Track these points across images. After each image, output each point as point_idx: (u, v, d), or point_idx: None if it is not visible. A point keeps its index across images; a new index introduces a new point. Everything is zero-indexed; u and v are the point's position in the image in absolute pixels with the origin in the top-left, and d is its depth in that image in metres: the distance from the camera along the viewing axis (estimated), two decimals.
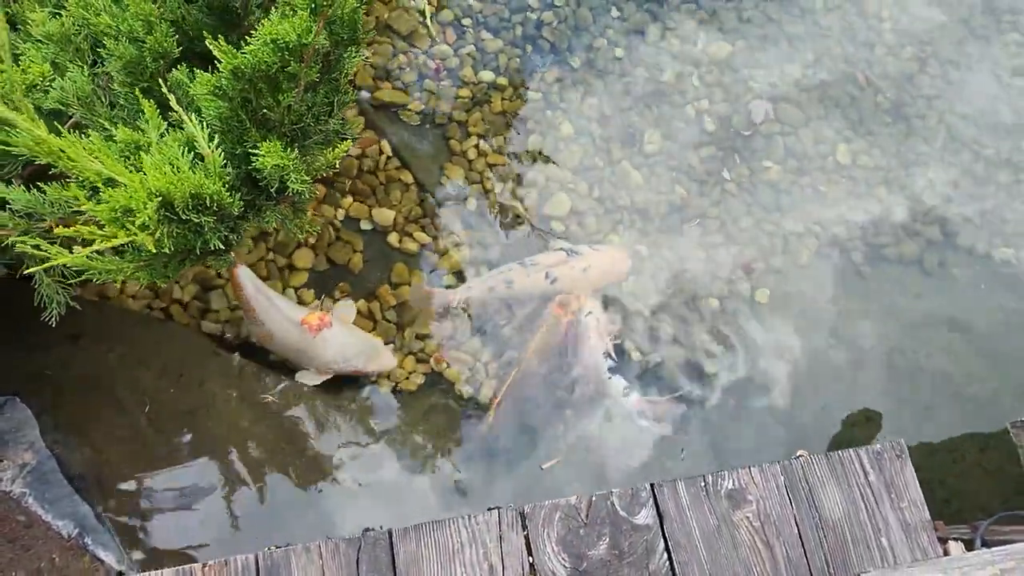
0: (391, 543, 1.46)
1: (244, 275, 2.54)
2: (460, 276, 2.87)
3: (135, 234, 1.24)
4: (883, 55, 3.18)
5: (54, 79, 1.43)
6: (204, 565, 1.45)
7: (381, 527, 1.77)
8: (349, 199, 2.91)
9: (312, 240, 2.84)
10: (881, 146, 3.06)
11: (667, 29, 3.22)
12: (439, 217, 2.92)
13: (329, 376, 2.59)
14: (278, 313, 2.54)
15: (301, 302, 2.76)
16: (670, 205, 2.99)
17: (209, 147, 1.35)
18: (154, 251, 1.32)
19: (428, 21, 2.70)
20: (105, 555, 2.20)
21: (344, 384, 2.67)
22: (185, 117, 1.33)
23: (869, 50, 3.19)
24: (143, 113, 1.33)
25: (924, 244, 2.93)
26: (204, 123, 1.37)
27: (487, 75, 3.12)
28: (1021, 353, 2.78)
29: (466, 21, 3.20)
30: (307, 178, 1.52)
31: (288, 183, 1.49)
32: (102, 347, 2.58)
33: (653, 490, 1.48)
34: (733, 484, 1.49)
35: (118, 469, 2.42)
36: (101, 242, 1.22)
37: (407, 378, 2.71)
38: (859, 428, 2.67)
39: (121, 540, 2.31)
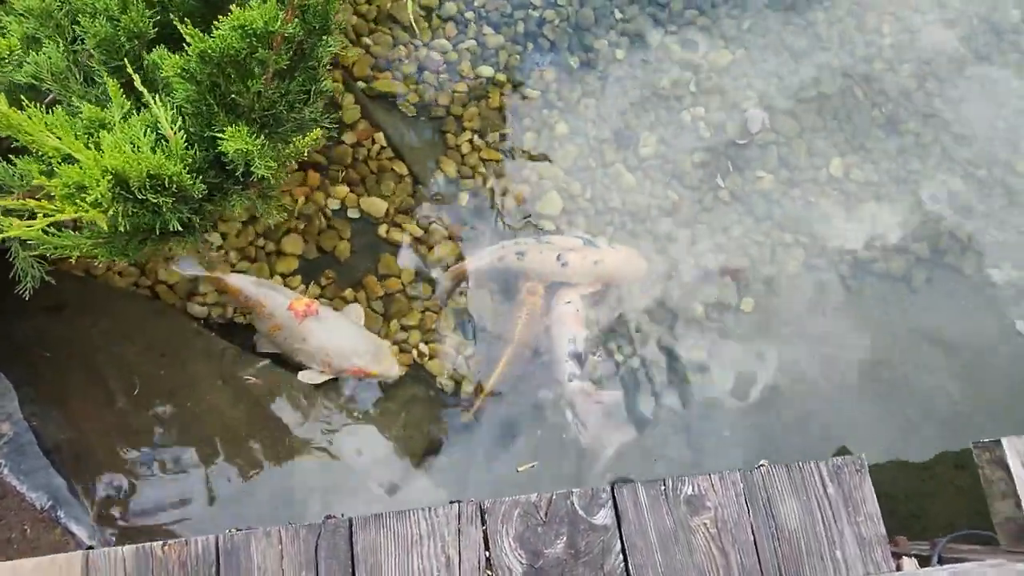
0: (351, 531, 1.47)
1: (237, 279, 2.57)
2: (448, 269, 2.88)
3: (86, 210, 1.25)
4: (882, 70, 3.18)
5: (28, 53, 1.44)
6: (164, 544, 1.46)
7: (343, 515, 1.78)
8: (344, 188, 2.92)
9: (302, 226, 2.86)
10: (874, 161, 3.07)
11: (668, 34, 3.22)
12: (431, 210, 2.93)
13: (331, 376, 2.57)
14: (284, 299, 2.56)
15: (288, 288, 2.77)
16: (661, 209, 3.00)
17: (172, 129, 1.36)
18: (107, 228, 1.33)
19: (412, 18, 2.71)
20: (77, 529, 2.22)
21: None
22: (149, 98, 1.34)
23: (868, 65, 3.19)
24: (124, 89, 1.34)
25: (912, 261, 2.93)
26: (173, 105, 1.38)
27: (486, 70, 3.13)
28: (1000, 374, 2.79)
29: (468, 15, 3.20)
30: (273, 164, 1.53)
31: (253, 168, 1.49)
32: (86, 321, 2.60)
33: (613, 491, 1.50)
34: (692, 490, 1.50)
35: (96, 444, 2.44)
36: (44, 218, 1.23)
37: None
38: (834, 440, 2.68)
39: (94, 515, 2.33)
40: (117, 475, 2.37)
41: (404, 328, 2.79)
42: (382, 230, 2.88)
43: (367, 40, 3.11)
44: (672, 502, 1.49)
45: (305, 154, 1.68)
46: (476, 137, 3.04)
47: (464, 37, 3.17)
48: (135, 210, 1.37)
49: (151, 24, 1.47)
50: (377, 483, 2.49)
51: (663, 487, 1.51)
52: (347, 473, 2.53)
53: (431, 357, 2.76)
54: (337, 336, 2.55)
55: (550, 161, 3.02)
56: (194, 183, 1.43)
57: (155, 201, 1.37)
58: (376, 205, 2.90)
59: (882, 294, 2.91)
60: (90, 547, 2.19)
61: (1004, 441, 1.55)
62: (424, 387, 2.70)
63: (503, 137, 3.05)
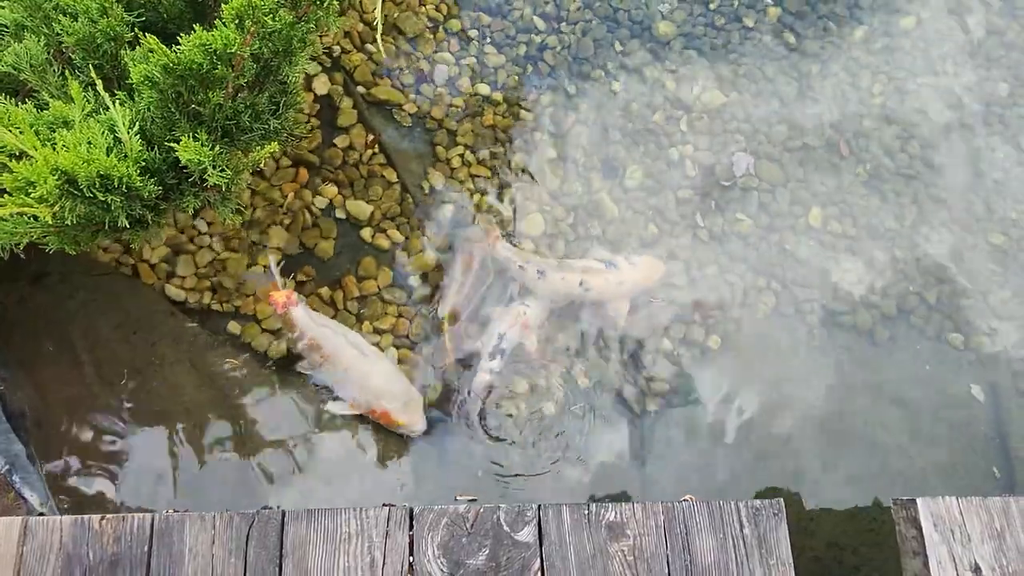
0: (282, 523, 1.52)
1: (299, 312, 2.64)
2: (425, 277, 2.94)
3: (31, 205, 1.31)
4: (870, 129, 3.25)
5: (10, 43, 1.50)
6: (102, 518, 1.51)
7: (278, 506, 1.83)
8: (333, 188, 2.98)
9: (287, 221, 2.92)
10: (853, 216, 3.13)
11: (666, 71, 3.30)
12: (415, 218, 3.00)
13: (358, 412, 2.61)
14: (332, 334, 2.62)
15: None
16: (641, 241, 3.06)
17: (128, 133, 1.43)
18: (51, 223, 1.39)
19: (378, 37, 2.79)
20: (30, 495, 2.26)
21: (292, 366, 2.73)
22: (108, 100, 1.40)
23: (857, 122, 3.26)
24: (92, 87, 1.41)
25: (878, 317, 2.99)
26: (138, 108, 1.44)
27: (483, 88, 3.20)
28: (951, 435, 2.84)
29: (472, 33, 3.28)
30: (229, 173, 1.59)
31: (207, 176, 1.55)
32: (65, 292, 2.65)
33: (539, 511, 1.55)
34: (614, 516, 1.55)
35: (59, 413, 2.49)
36: None
37: None
38: (783, 484, 2.73)
39: (49, 483, 2.38)
40: (76, 446, 2.41)
41: (377, 331, 2.85)
42: (366, 233, 2.95)
43: (371, 47, 3.19)
44: (594, 526, 1.54)
45: (262, 163, 1.74)
46: (467, 152, 3.11)
47: (466, 54, 3.25)
48: (83, 206, 1.43)
49: (129, 27, 1.54)
50: (330, 479, 2.54)
51: (586, 511, 1.56)
52: (304, 467, 2.57)
53: (401, 362, 2.81)
54: (375, 374, 2.58)
55: (536, 183, 3.09)
56: (145, 184, 1.49)
57: (103, 199, 1.42)
58: (362, 208, 2.96)
59: (846, 347, 2.96)
60: (41, 514, 2.24)
61: (919, 501, 1.60)
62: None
63: (493, 155, 3.12)
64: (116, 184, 1.44)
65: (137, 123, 1.48)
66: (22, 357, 2.50)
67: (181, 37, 1.44)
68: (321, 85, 3.09)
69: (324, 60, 3.12)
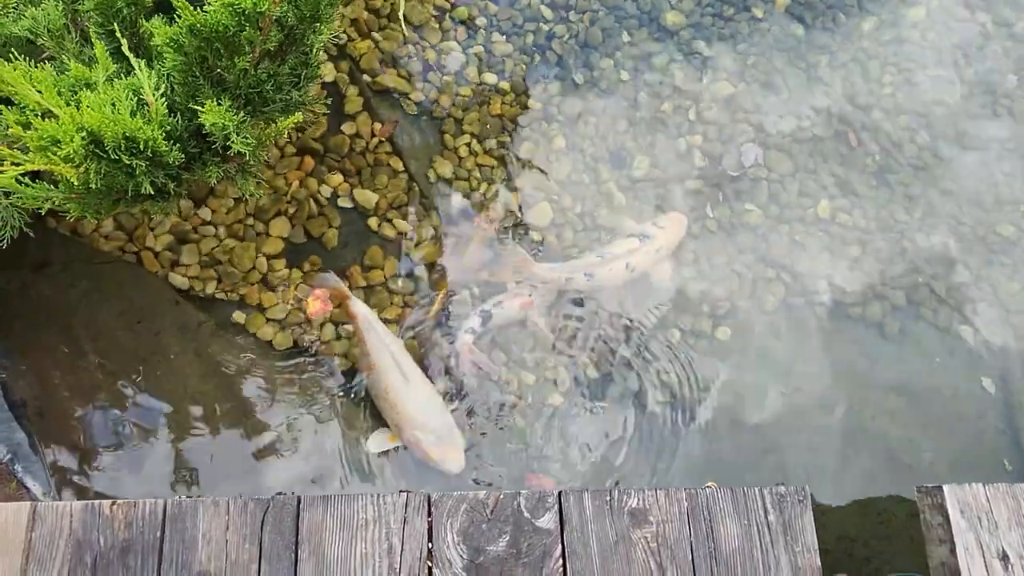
0: (298, 509, 1.49)
1: (359, 306, 2.61)
2: (431, 268, 2.91)
3: (57, 163, 1.28)
4: (879, 120, 3.23)
5: (27, 7, 1.47)
6: (113, 503, 1.48)
7: (292, 493, 1.80)
8: (338, 177, 2.95)
9: (292, 210, 2.88)
10: (862, 207, 3.11)
11: (673, 61, 3.27)
12: (422, 207, 2.96)
13: (397, 444, 2.52)
14: (380, 346, 2.55)
15: (271, 271, 2.80)
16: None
17: (154, 95, 1.39)
18: (77, 184, 1.36)
19: (403, 21, 2.76)
20: (32, 484, 2.22)
21: (300, 356, 2.70)
22: (135, 63, 1.37)
23: (866, 113, 3.24)
24: (111, 53, 1.37)
25: (888, 309, 2.97)
26: (161, 72, 1.41)
27: (491, 77, 3.17)
28: (961, 427, 2.83)
29: (480, 21, 3.25)
30: (252, 141, 1.56)
31: (231, 143, 1.52)
32: (67, 281, 2.61)
33: (560, 497, 1.52)
34: (637, 503, 1.52)
35: (61, 402, 2.45)
36: (14, 167, 1.25)
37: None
38: (792, 476, 2.71)
39: (51, 472, 2.34)
40: (79, 435, 2.38)
41: (383, 321, 2.81)
42: (372, 222, 2.91)
43: (377, 35, 3.15)
44: (616, 513, 1.51)
45: (285, 135, 1.71)
46: (474, 141, 3.08)
47: (473, 42, 3.21)
48: (108, 169, 1.39)
49: None
50: (338, 468, 2.50)
51: (608, 497, 1.53)
52: (309, 456, 2.54)
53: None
54: (413, 402, 2.46)
55: (544, 173, 3.06)
56: (170, 149, 1.46)
57: (129, 162, 1.39)
58: (368, 197, 2.93)
59: (856, 339, 2.94)
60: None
61: (946, 488, 1.58)
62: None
63: (501, 144, 3.08)
64: (141, 148, 1.41)
65: (161, 88, 1.44)
66: (24, 346, 2.46)
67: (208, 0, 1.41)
68: (327, 72, 3.05)
69: (330, 48, 3.08)
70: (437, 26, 3.21)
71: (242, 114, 1.52)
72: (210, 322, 2.68)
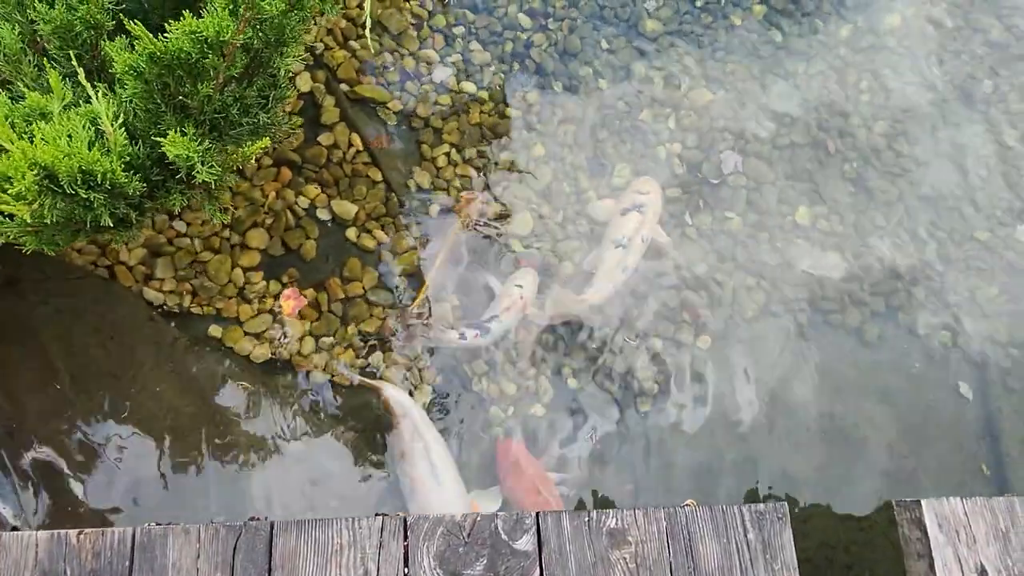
0: (271, 535, 1.46)
1: (394, 391, 2.53)
2: (411, 280, 2.88)
3: (7, 202, 1.24)
4: (856, 126, 3.25)
5: None
6: (80, 532, 1.44)
7: (266, 517, 1.77)
8: (316, 188, 2.91)
9: (269, 222, 2.85)
10: (840, 213, 3.13)
11: (653, 68, 3.27)
12: (401, 218, 2.94)
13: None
14: (414, 434, 2.48)
15: (248, 283, 2.76)
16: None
17: (112, 125, 1.35)
18: (29, 222, 1.32)
19: (368, 32, 2.73)
20: (3, 507, 2.18)
21: (279, 370, 2.66)
22: (91, 91, 1.33)
23: (844, 120, 3.25)
24: (70, 79, 1.33)
25: (868, 315, 2.99)
26: (122, 100, 1.37)
27: (469, 86, 3.15)
28: (941, 434, 2.84)
29: (458, 30, 3.23)
30: (218, 169, 1.52)
31: (195, 173, 1.49)
32: (37, 297, 2.56)
33: (538, 518, 1.50)
34: (616, 523, 1.51)
35: (33, 422, 2.40)
36: None
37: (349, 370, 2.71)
38: (772, 484, 2.71)
39: (23, 495, 2.29)
40: (51, 456, 2.33)
41: (362, 334, 2.79)
42: (351, 233, 2.88)
43: (354, 44, 3.12)
44: (595, 533, 1.50)
45: (253, 160, 1.68)
46: (453, 151, 3.06)
47: (451, 51, 3.19)
48: (64, 204, 1.35)
49: (111, 15, 1.47)
50: (315, 486, 2.47)
51: (587, 518, 1.52)
52: (288, 475, 2.51)
53: (385, 365, 2.75)
54: (438, 503, 2.35)
55: (524, 182, 3.04)
56: (130, 180, 1.42)
57: (86, 196, 1.35)
58: (347, 208, 2.90)
59: (836, 345, 2.95)
60: (14, 527, 2.15)
61: (924, 503, 1.58)
62: (375, 394, 2.70)
63: (480, 154, 3.07)
64: (99, 180, 1.37)
65: (121, 116, 1.40)
66: None
67: (169, 24, 1.37)
68: (303, 83, 3.02)
69: (306, 58, 3.05)
70: (415, 35, 3.19)
71: (207, 142, 1.48)
72: (185, 337, 2.64)
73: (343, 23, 3.14)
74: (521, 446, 2.61)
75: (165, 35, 1.38)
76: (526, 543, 1.46)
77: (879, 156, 3.21)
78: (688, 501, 1.53)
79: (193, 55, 1.38)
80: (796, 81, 3.30)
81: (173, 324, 2.65)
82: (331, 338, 2.74)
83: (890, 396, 2.90)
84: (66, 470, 2.33)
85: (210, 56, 1.37)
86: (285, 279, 2.78)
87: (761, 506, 1.52)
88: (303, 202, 2.89)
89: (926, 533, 1.53)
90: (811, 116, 3.24)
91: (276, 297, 2.73)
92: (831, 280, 3.03)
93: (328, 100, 3.02)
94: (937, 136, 3.26)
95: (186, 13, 1.34)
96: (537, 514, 1.51)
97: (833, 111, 3.26)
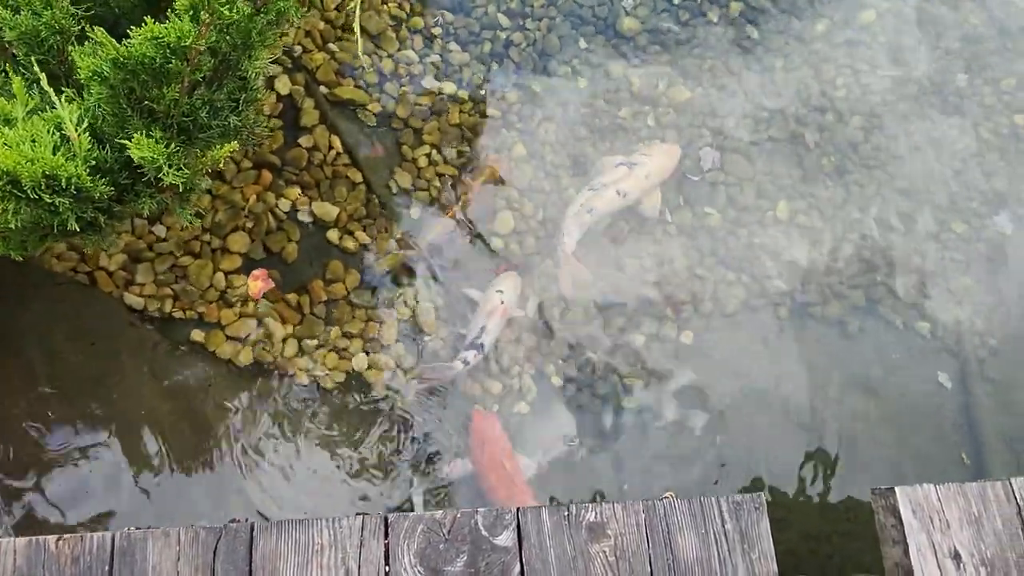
0: (251, 537, 1.47)
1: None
2: (395, 281, 2.89)
3: None
4: (833, 121, 3.28)
5: None
6: (59, 538, 1.44)
7: (247, 519, 1.77)
8: (297, 191, 2.91)
9: (250, 225, 2.84)
10: (819, 208, 3.15)
11: (631, 67, 3.29)
12: (382, 219, 2.94)
13: None
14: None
15: (230, 287, 2.76)
16: (610, 237, 3.05)
17: (76, 130, 1.35)
18: None
19: (360, 51, 2.74)
20: None
21: (259, 374, 2.66)
22: (54, 97, 1.33)
23: (820, 114, 3.28)
24: (36, 84, 1.33)
25: (848, 308, 3.01)
26: (88, 105, 1.37)
27: (449, 86, 3.16)
28: (922, 424, 2.88)
29: (436, 31, 3.24)
30: (187, 172, 1.52)
31: (162, 176, 1.49)
32: (17, 303, 2.55)
33: (518, 514, 1.51)
34: (595, 517, 1.52)
35: (13, 429, 2.39)
36: None
37: (327, 375, 2.71)
38: (756, 477, 2.74)
39: (2, 501, 2.28)
40: (32, 463, 2.32)
41: (346, 335, 2.79)
42: (333, 235, 2.89)
43: (333, 46, 3.12)
44: (574, 527, 1.51)
45: (221, 164, 1.68)
46: (434, 152, 3.06)
47: (430, 51, 3.20)
48: (28, 209, 1.35)
49: (77, 20, 1.46)
50: (298, 488, 2.47)
51: (566, 512, 1.53)
52: (272, 478, 2.50)
53: (370, 367, 2.75)
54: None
55: (505, 181, 3.06)
56: (96, 185, 1.42)
57: (51, 201, 1.35)
58: (328, 210, 2.90)
59: (817, 338, 2.98)
60: None
61: (898, 490, 1.60)
62: (360, 396, 2.70)
63: (460, 154, 3.08)
64: (64, 185, 1.36)
65: (86, 120, 1.40)
66: None
67: (132, 30, 1.37)
68: (283, 85, 3.02)
69: (284, 60, 3.05)
70: (394, 36, 3.20)
71: (174, 145, 1.48)
72: (167, 342, 2.63)
73: (321, 25, 3.15)
74: (495, 420, 2.63)
75: (128, 40, 1.38)
76: (506, 538, 1.47)
77: (856, 150, 3.24)
78: (667, 493, 1.55)
79: (157, 60, 1.38)
80: (773, 77, 3.32)
81: (155, 329, 2.64)
82: (315, 340, 2.74)
83: (871, 387, 2.93)
84: (46, 476, 2.32)
85: (174, 61, 1.38)
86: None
87: (738, 497, 1.54)
88: (284, 205, 2.89)
89: (900, 519, 1.55)
90: (789, 111, 3.27)
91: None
92: (811, 274, 3.05)
93: (307, 102, 3.02)
94: (913, 130, 3.29)
95: (148, 19, 1.34)
96: (517, 509, 1.52)
97: (810, 106, 3.29)
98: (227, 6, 1.36)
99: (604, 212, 2.92)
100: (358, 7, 2.53)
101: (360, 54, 2.71)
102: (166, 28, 1.35)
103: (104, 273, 2.69)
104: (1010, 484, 1.59)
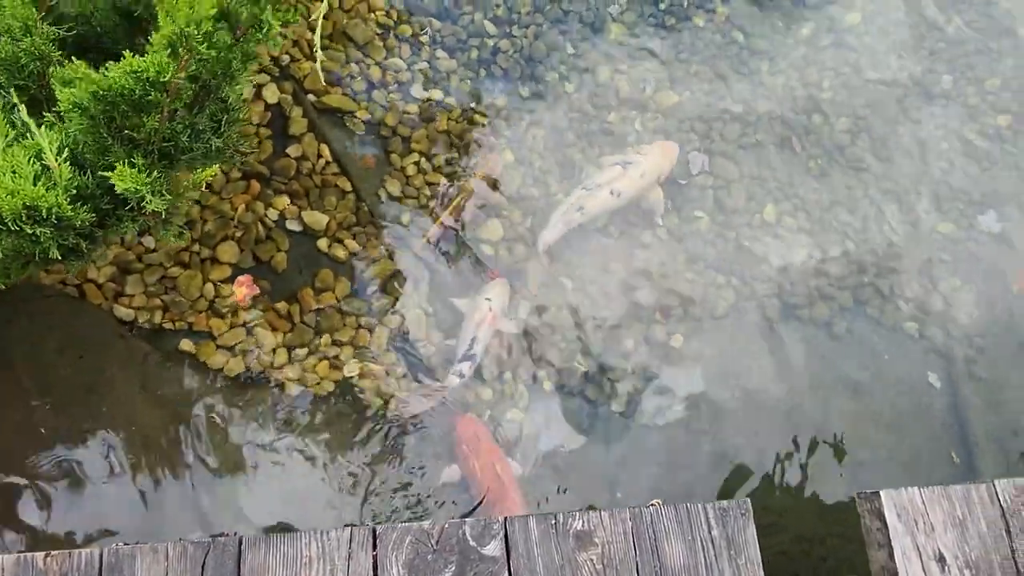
0: (240, 550, 1.47)
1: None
2: (385, 289, 2.89)
3: None
4: (819, 123, 3.30)
5: None
6: (47, 555, 1.44)
7: (235, 533, 1.78)
8: (285, 199, 2.91)
9: (239, 235, 2.84)
10: (807, 210, 3.17)
11: (618, 72, 3.30)
12: (372, 228, 2.95)
13: None
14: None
15: (220, 297, 2.76)
16: (599, 243, 3.06)
17: (57, 160, 1.35)
18: None
19: (318, 64, 2.76)
20: None
21: (250, 383, 2.66)
22: (33, 127, 1.33)
23: (807, 117, 3.30)
24: (16, 110, 1.34)
25: (836, 309, 3.03)
26: (67, 132, 1.37)
27: (437, 93, 3.17)
28: (911, 423, 2.89)
29: (424, 38, 3.25)
30: (169, 197, 1.52)
31: (145, 204, 1.49)
32: (5, 316, 2.55)
33: (505, 523, 1.52)
34: (582, 525, 1.53)
35: (3, 442, 2.39)
36: None
37: (318, 383, 2.71)
38: (747, 480, 2.75)
39: None
40: (20, 476, 2.31)
41: (336, 343, 2.79)
42: (322, 244, 2.89)
43: (321, 55, 3.12)
44: (561, 536, 1.52)
45: (203, 186, 1.68)
46: (422, 159, 3.07)
47: (418, 59, 3.21)
48: (10, 239, 1.35)
49: (57, 45, 1.46)
50: (289, 498, 2.47)
51: (553, 521, 1.54)
52: (263, 488, 2.50)
53: (361, 374, 2.76)
54: None
55: (493, 188, 3.06)
56: (77, 213, 1.42)
57: (31, 231, 1.35)
58: (318, 219, 2.90)
59: (806, 340, 3.00)
60: None
61: (882, 493, 1.61)
62: (350, 404, 2.70)
63: (449, 161, 3.08)
64: (45, 215, 1.36)
65: (67, 148, 1.40)
66: None
67: (107, 67, 1.36)
68: (271, 95, 3.02)
69: (272, 70, 3.05)
70: (381, 44, 3.20)
71: (156, 172, 1.48)
72: (157, 353, 2.63)
73: (308, 34, 3.15)
74: (480, 423, 2.64)
75: (107, 71, 1.38)
76: (494, 548, 1.48)
77: (843, 152, 3.26)
78: (654, 501, 1.56)
79: (136, 92, 1.38)
80: (760, 80, 3.34)
81: (144, 340, 2.63)
82: (305, 349, 2.74)
83: (861, 388, 2.94)
84: (36, 489, 2.32)
85: (153, 93, 1.38)
86: (257, 292, 2.77)
87: (724, 503, 1.55)
88: (273, 214, 2.89)
89: (885, 523, 1.56)
90: (776, 114, 3.29)
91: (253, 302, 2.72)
92: (799, 276, 3.07)
93: (296, 111, 3.02)
94: (899, 131, 3.32)
95: (126, 54, 1.34)
96: (505, 519, 1.52)
97: (797, 109, 3.31)
98: (204, 43, 1.37)
99: (597, 212, 2.94)
100: (320, 15, 2.53)
101: (318, 57, 2.71)
102: (145, 62, 1.36)
103: (93, 285, 2.68)
104: (994, 486, 1.60)
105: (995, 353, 2.99)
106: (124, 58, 1.34)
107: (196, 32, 1.32)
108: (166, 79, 1.36)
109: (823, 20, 3.45)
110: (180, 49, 1.35)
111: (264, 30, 1.47)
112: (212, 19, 1.38)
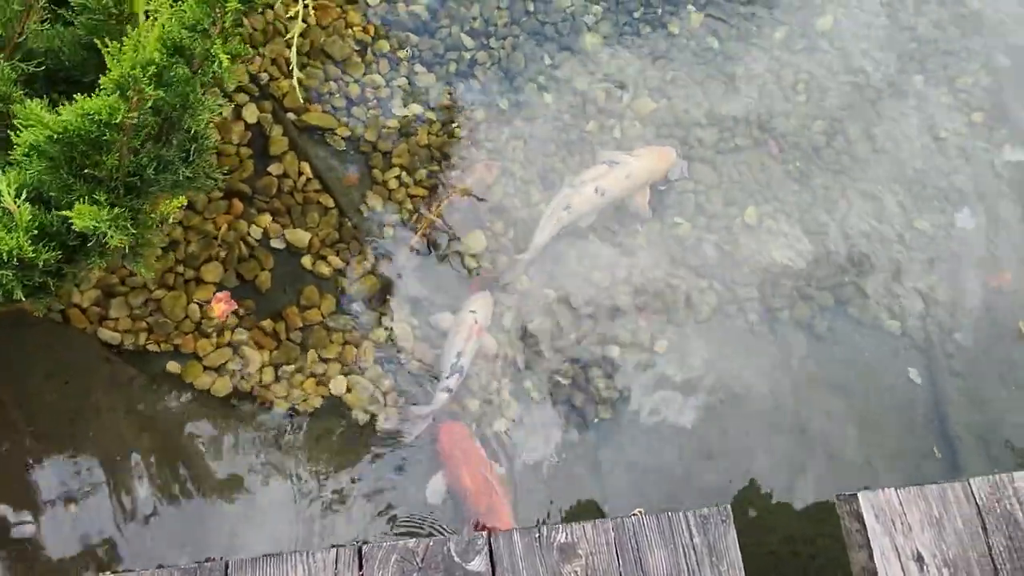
0: (226, 574, 1.48)
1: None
2: (369, 303, 2.90)
3: None
4: (796, 127, 3.34)
5: None
6: None
7: (221, 558, 1.79)
8: (268, 218, 2.93)
9: (222, 254, 2.85)
10: (786, 212, 3.21)
11: (595, 81, 3.33)
12: (355, 243, 2.96)
13: None
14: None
15: (205, 317, 2.76)
16: (581, 251, 3.08)
17: (16, 202, 1.37)
18: None
19: (295, 82, 2.79)
20: None
21: (237, 404, 2.67)
22: None
23: (784, 120, 3.34)
24: None
25: (816, 309, 3.07)
26: (29, 173, 1.38)
27: (416, 108, 3.19)
28: (894, 420, 2.93)
29: (401, 53, 3.27)
30: (133, 231, 1.53)
31: (107, 240, 1.50)
32: None
33: (489, 539, 1.54)
34: (565, 537, 1.55)
35: None
36: None
37: (305, 400, 2.72)
38: (734, 482, 2.77)
39: None
40: (7, 504, 2.31)
41: (323, 360, 2.80)
42: (306, 261, 2.90)
43: (299, 73, 3.14)
44: (546, 549, 1.53)
45: (172, 217, 1.69)
46: (404, 173, 3.09)
47: (396, 75, 3.23)
48: None
49: (20, 83, 1.47)
50: (282, 517, 2.48)
51: (537, 534, 1.55)
52: (253, 510, 2.51)
53: (349, 390, 2.77)
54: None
55: (475, 200, 3.08)
56: (39, 253, 1.43)
57: None
58: (300, 236, 2.91)
59: (788, 341, 3.03)
60: None
61: (860, 495, 1.64)
62: (338, 421, 2.71)
63: (430, 174, 3.10)
64: (6, 258, 1.37)
65: (26, 188, 1.41)
66: None
67: (59, 110, 1.37)
68: (250, 114, 3.03)
69: (252, 89, 3.06)
70: (360, 60, 3.22)
71: (118, 208, 1.50)
72: (143, 375, 2.63)
73: (286, 52, 3.16)
74: (463, 430, 2.65)
75: (60, 116, 1.39)
76: (479, 564, 1.50)
77: (820, 154, 3.30)
78: (636, 510, 1.58)
79: (92, 132, 1.39)
80: (736, 85, 3.38)
81: (129, 363, 2.64)
82: (292, 366, 2.75)
83: (844, 386, 2.98)
84: (22, 517, 2.31)
85: (108, 133, 1.39)
86: (242, 311, 2.79)
87: (705, 510, 1.57)
88: (256, 232, 2.90)
89: (864, 524, 1.59)
90: (752, 118, 3.33)
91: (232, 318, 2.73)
92: (781, 277, 3.10)
93: (276, 130, 3.04)
94: (873, 132, 3.36)
95: (78, 96, 1.35)
96: (489, 534, 1.54)
97: (773, 112, 3.35)
98: (151, 84, 1.38)
99: (582, 210, 2.97)
100: (296, 34, 2.55)
101: (296, 75, 2.74)
102: (96, 103, 1.37)
103: (77, 310, 2.68)
104: (969, 485, 1.63)
105: (973, 348, 3.03)
106: (76, 100, 1.35)
107: (142, 74, 1.34)
108: (118, 120, 1.37)
109: (796, 24, 3.50)
110: (129, 91, 1.36)
111: (215, 64, 1.48)
112: (166, 55, 1.39)
